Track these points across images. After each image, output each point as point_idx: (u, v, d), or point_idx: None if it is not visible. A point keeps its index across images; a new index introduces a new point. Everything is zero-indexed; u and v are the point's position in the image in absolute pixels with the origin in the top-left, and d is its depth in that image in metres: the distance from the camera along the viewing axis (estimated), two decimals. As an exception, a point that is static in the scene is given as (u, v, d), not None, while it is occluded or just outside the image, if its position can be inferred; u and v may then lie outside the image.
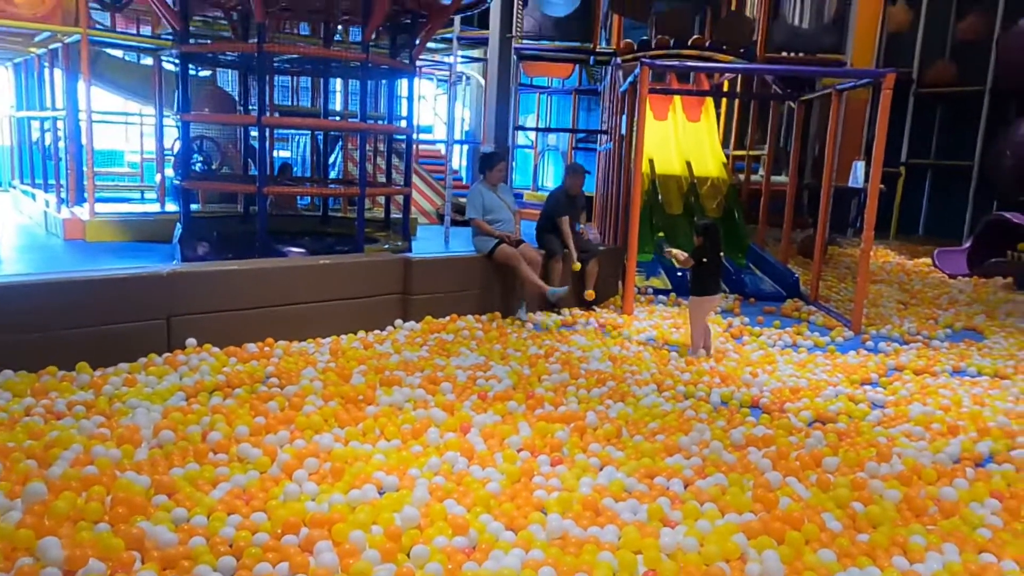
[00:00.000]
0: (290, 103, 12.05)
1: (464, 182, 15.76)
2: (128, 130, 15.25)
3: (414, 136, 8.70)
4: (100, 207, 8.45)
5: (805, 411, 4.15)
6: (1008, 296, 8.48)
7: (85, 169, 8.32)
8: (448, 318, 5.80)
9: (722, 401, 4.32)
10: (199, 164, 9.90)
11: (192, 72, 7.28)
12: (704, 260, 5.34)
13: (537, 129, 17.16)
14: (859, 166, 9.95)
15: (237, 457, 3.16)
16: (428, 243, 7.94)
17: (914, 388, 4.75)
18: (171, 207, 9.21)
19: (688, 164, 10.85)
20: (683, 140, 11.45)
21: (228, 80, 10.86)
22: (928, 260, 11.14)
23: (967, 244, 11.25)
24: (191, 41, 6.61)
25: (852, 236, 13.22)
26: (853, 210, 12.59)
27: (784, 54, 9.10)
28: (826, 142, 7.75)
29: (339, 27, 8.54)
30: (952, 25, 14.32)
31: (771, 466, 3.32)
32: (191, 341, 4.53)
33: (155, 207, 9.76)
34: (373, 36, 6.48)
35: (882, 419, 4.15)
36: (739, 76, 11.63)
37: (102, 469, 2.85)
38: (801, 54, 9.12)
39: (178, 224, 6.83)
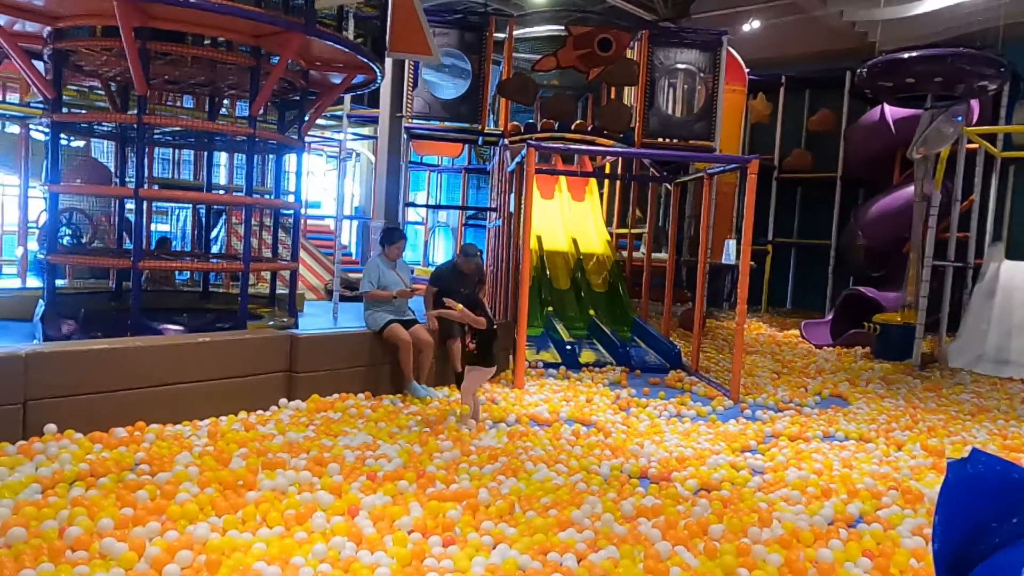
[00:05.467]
0: (171, 175, 11.66)
1: (353, 257, 15.62)
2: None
3: (302, 211, 8.58)
4: (-50, 282, 7.77)
5: (691, 480, 4.26)
6: (867, 364, 9.15)
7: (-66, 242, 7.68)
8: (336, 396, 5.64)
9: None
10: (68, 237, 9.34)
11: (64, 141, 6.93)
12: (494, 327, 5.24)
13: (427, 206, 17.36)
14: (731, 244, 10.63)
15: (99, 553, 2.89)
16: (315, 319, 7.75)
17: (789, 453, 4.99)
18: (33, 282, 8.59)
19: (574, 241, 11.25)
20: (569, 218, 11.90)
21: (104, 150, 10.42)
22: (796, 331, 11.90)
23: (829, 316, 12.13)
24: (64, 110, 6.34)
25: (727, 310, 13.96)
26: (727, 285, 13.35)
27: (659, 140, 9.70)
28: (700, 221, 8.25)
29: (225, 100, 8.43)
30: (806, 119, 15.81)
31: (660, 536, 3.37)
32: (51, 427, 4.17)
33: (15, 282, 9.09)
34: (261, 111, 6.43)
35: (762, 485, 4.31)
36: (619, 159, 12.29)
37: (-63, 575, 2.54)
38: (675, 140, 9.76)
39: (41, 300, 6.36)
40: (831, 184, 15.06)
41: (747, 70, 12.58)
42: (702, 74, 9.76)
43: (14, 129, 9.63)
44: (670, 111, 9.78)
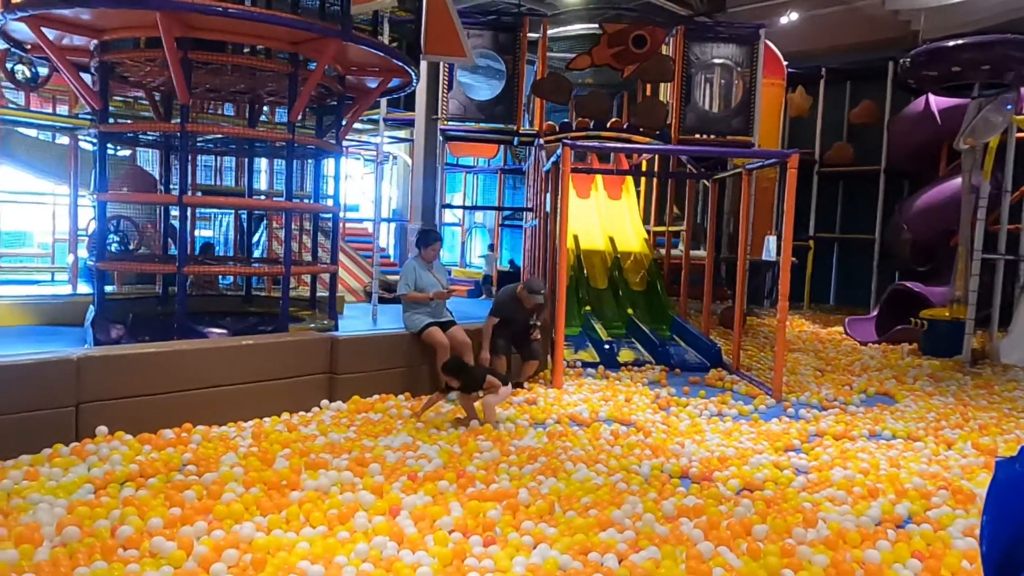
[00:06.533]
0: (213, 182, 11.91)
1: (392, 259, 15.77)
2: (39, 210, 14.69)
3: (341, 214, 8.69)
4: (4, 289, 8.03)
5: (733, 479, 4.21)
6: (915, 361, 8.93)
7: (-10, 250, 7.96)
8: (376, 397, 5.69)
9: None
10: (115, 244, 9.59)
11: (111, 151, 7.12)
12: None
13: (464, 207, 17.43)
14: (771, 240, 10.46)
15: (149, 552, 2.96)
16: (355, 321, 7.82)
17: (834, 453, 4.89)
18: (84, 289, 8.83)
19: (611, 239, 11.18)
20: (605, 217, 11.83)
21: (149, 159, 10.69)
22: (840, 328, 11.66)
23: (874, 312, 11.86)
24: (110, 120, 6.50)
25: (768, 307, 13.75)
26: (768, 282, 13.15)
27: (697, 136, 9.60)
28: (739, 218, 8.14)
29: (264, 107, 8.57)
30: (847, 111, 15.49)
31: (703, 536, 3.33)
32: (102, 429, 4.29)
33: (66, 289, 9.34)
34: (299, 117, 6.52)
35: (806, 484, 4.24)
36: (656, 156, 12.19)
37: (-3, 573, 2.63)
38: (712, 136, 9.65)
39: (91, 306, 6.54)
40: (874, 177, 14.74)
41: (785, 63, 12.37)
42: (739, 68, 9.64)
43: (64, 140, 9.93)
44: (707, 107, 9.68)
